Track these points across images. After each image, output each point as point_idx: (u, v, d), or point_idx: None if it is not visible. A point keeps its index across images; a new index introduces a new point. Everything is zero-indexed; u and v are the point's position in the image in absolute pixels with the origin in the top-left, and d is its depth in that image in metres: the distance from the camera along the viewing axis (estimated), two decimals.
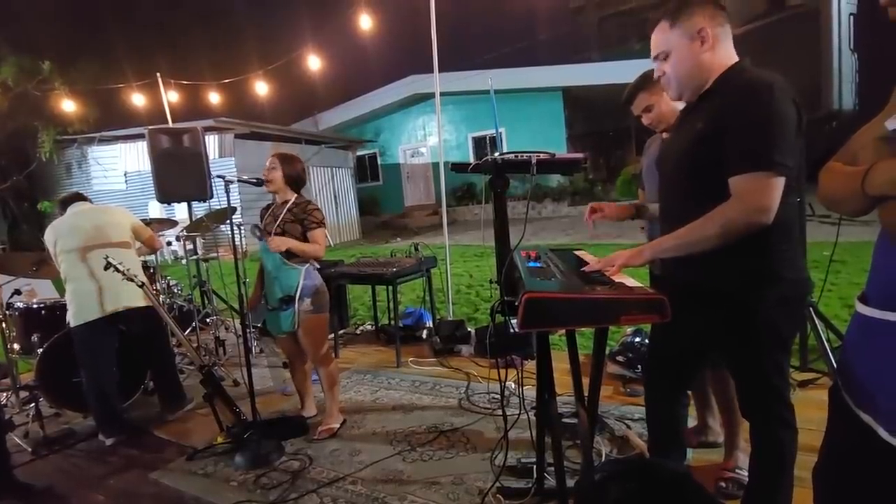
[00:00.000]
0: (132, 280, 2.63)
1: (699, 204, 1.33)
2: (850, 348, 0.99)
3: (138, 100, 8.29)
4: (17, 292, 3.39)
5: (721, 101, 1.34)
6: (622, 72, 9.69)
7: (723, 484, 1.90)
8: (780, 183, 1.25)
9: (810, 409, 1.56)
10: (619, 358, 3.02)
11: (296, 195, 2.67)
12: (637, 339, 3.06)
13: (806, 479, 1.15)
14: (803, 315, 2.27)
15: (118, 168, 12.41)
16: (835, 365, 2.41)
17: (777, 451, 1.45)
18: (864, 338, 0.94)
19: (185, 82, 8.00)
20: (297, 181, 2.68)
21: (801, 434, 1.46)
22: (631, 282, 1.36)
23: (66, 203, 3.04)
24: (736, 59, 1.40)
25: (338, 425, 2.73)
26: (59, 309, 3.15)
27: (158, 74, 6.62)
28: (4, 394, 3.21)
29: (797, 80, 1.34)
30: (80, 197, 3.11)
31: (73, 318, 2.79)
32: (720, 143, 1.30)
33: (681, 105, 1.99)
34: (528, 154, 1.50)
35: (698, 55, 1.38)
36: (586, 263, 1.53)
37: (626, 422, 2.49)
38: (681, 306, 1.26)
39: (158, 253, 4.03)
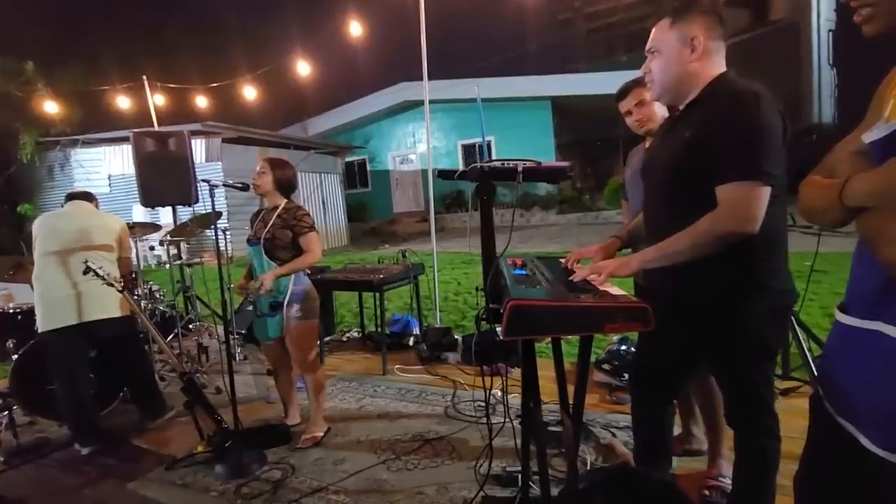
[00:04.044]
0: (112, 285, 2.57)
1: (685, 212, 1.33)
2: (831, 357, 1.00)
3: (123, 102, 8.21)
4: None
5: (708, 110, 1.35)
6: (609, 83, 9.79)
7: (706, 492, 1.90)
8: (766, 192, 1.26)
9: (792, 417, 1.57)
10: (605, 366, 3.03)
11: (286, 200, 2.65)
12: (623, 348, 3.07)
13: (787, 486, 1.16)
14: (788, 325, 2.30)
15: (102, 171, 12.21)
16: (816, 374, 2.45)
17: (761, 460, 1.46)
18: (844, 346, 0.95)
19: (172, 85, 7.93)
20: (287, 186, 2.66)
21: (783, 442, 1.48)
22: (615, 290, 1.36)
23: (67, 199, 2.99)
24: (724, 69, 1.41)
25: (322, 434, 2.69)
26: (35, 314, 3.07)
27: (145, 77, 6.56)
28: None
29: (778, 94, 1.36)
30: (84, 196, 3.04)
31: (41, 323, 2.71)
32: (707, 152, 1.31)
33: (668, 113, 2.03)
34: (514, 162, 1.50)
35: (686, 63, 1.39)
36: (573, 272, 1.53)
37: (612, 430, 2.49)
38: (667, 316, 1.27)
39: (141, 257, 3.96)
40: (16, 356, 2.97)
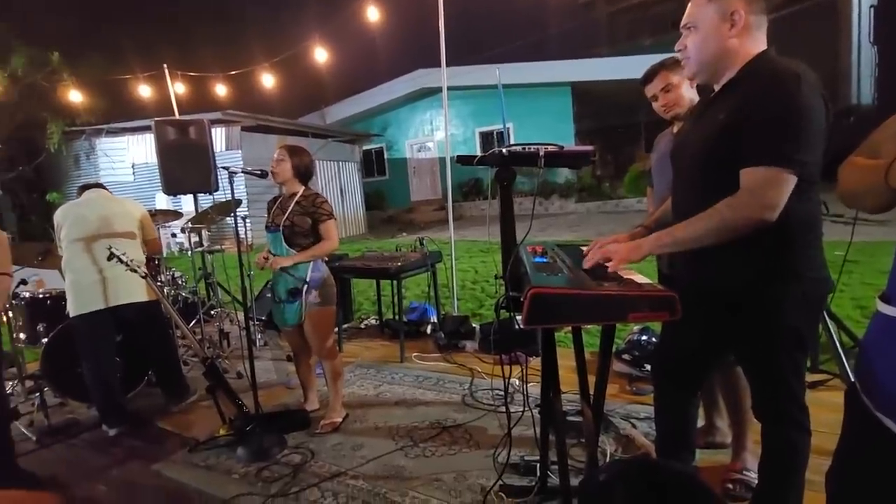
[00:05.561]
0: (135, 271, 2.62)
1: (716, 199, 1.27)
2: (871, 349, 0.96)
3: (145, 91, 8.31)
4: (24, 282, 3.40)
5: (746, 92, 1.27)
6: (632, 67, 9.58)
7: (730, 485, 1.86)
8: (791, 180, 1.20)
9: (821, 410, 1.52)
10: (626, 356, 2.99)
11: (304, 187, 2.66)
12: (644, 338, 3.02)
13: (817, 482, 1.12)
14: (821, 315, 2.22)
15: (126, 160, 12.49)
16: (847, 366, 2.38)
17: (789, 454, 1.41)
18: (885, 338, 0.90)
19: (192, 73, 7.99)
20: (305, 173, 2.66)
21: (812, 436, 1.43)
22: (640, 278, 1.32)
23: (83, 189, 3.06)
24: (765, 47, 1.33)
25: (340, 419, 2.72)
26: (64, 299, 3.15)
27: (165, 66, 6.62)
28: (10, 383, 3.22)
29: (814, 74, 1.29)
30: (98, 186, 3.12)
31: (72, 309, 2.80)
32: (741, 135, 1.25)
33: (696, 97, 1.95)
34: (536, 146, 1.46)
35: (725, 39, 1.31)
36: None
37: (632, 421, 2.46)
38: (693, 305, 1.23)
39: (164, 245, 4.03)
40: (46, 340, 3.07)
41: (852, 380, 1.00)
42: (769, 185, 1.20)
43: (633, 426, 2.40)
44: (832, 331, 2.44)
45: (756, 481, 1.59)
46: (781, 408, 1.41)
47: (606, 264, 1.38)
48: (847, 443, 1.01)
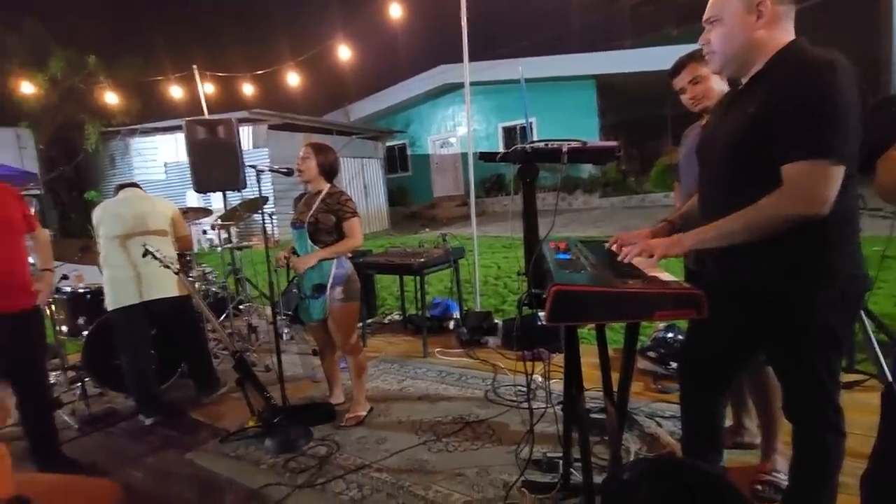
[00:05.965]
0: (168, 267, 2.71)
1: (744, 194, 1.24)
2: None
3: (176, 92, 8.54)
4: (65, 277, 3.56)
5: (775, 82, 1.23)
6: (657, 59, 9.36)
7: (759, 487, 1.83)
8: (839, 172, 1.16)
9: (856, 412, 1.47)
10: (651, 353, 2.95)
11: (329, 185, 2.69)
12: (669, 335, 2.97)
13: (851, 485, 1.09)
14: (858, 314, 2.15)
15: (158, 159, 12.88)
16: (886, 367, 2.29)
17: (821, 456, 1.37)
18: None
19: (221, 74, 8.17)
20: (330, 171, 2.70)
21: (846, 438, 1.38)
22: (665, 275, 1.30)
23: (119, 188, 3.19)
24: (793, 37, 1.29)
25: (364, 413, 2.76)
26: (102, 293, 3.29)
27: (195, 67, 6.78)
28: (54, 373, 3.38)
29: (852, 63, 1.23)
30: (133, 185, 3.24)
31: (109, 303, 2.92)
32: (772, 127, 1.21)
33: (727, 88, 1.90)
34: (559, 142, 1.45)
35: (751, 31, 1.27)
36: (618, 256, 1.47)
37: (657, 419, 2.43)
38: (723, 303, 1.20)
39: (195, 241, 4.16)
40: (86, 333, 3.21)
41: (890, 380, 0.97)
42: (817, 178, 1.16)
43: (659, 424, 2.37)
44: (869, 329, 2.36)
45: (785, 483, 1.55)
46: (815, 409, 1.37)
47: (635, 258, 1.36)
48: (885, 445, 0.98)
